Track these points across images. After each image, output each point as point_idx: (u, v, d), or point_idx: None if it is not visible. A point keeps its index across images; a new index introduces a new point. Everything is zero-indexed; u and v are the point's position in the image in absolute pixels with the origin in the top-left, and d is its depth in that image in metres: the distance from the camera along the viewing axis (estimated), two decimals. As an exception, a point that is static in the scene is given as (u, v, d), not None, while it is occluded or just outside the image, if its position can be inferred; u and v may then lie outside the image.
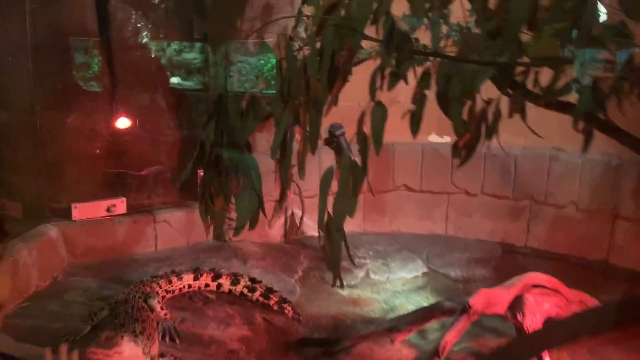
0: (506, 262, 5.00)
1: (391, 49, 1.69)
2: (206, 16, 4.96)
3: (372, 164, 5.44)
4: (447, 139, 5.35)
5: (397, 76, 1.80)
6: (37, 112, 4.56)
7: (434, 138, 5.34)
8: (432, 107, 2.54)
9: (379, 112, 1.86)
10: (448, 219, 5.55)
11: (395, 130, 2.76)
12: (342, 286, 2.53)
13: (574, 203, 5.05)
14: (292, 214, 5.12)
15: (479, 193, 5.43)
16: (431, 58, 2.09)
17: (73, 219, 4.30)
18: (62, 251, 4.15)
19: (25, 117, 4.58)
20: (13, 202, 4.49)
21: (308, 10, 4.86)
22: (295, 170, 4.30)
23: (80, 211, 4.33)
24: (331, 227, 1.89)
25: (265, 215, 2.34)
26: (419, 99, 1.92)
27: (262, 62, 5.16)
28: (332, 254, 1.98)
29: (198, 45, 5.32)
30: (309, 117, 1.92)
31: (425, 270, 4.72)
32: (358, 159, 5.02)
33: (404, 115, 2.01)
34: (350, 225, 4.75)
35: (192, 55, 5.38)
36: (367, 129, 1.96)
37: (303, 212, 5.11)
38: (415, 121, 1.95)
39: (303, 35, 4.97)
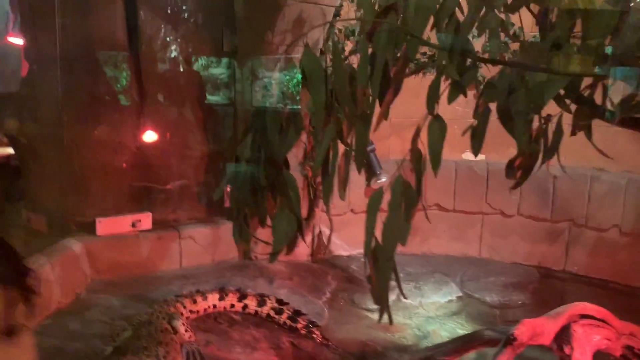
0: (544, 287, 4.76)
1: (455, 57, 1.53)
2: (237, 30, 4.90)
3: (403, 182, 5.23)
4: (482, 157, 5.16)
5: (459, 87, 1.64)
6: (65, 124, 4.51)
7: (468, 155, 5.15)
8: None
9: (438, 128, 1.69)
10: (482, 240, 5.32)
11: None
12: (390, 322, 2.36)
13: (617, 226, 4.80)
14: (320, 232, 4.96)
15: (516, 214, 5.20)
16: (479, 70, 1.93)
17: (98, 234, 4.21)
18: (85, 267, 4.05)
19: (53, 129, 4.53)
20: (38, 215, 4.42)
21: (339, 23, 4.78)
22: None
23: (105, 226, 4.24)
24: (379, 256, 1.71)
25: (304, 239, 2.19)
26: (481, 114, 1.75)
27: (288, 77, 5.07)
28: (379, 285, 1.80)
29: (228, 59, 5.25)
30: (356, 131, 1.76)
31: (460, 294, 4.50)
32: (386, 177, 4.83)
33: (465, 132, 1.84)
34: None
35: (222, 70, 5.30)
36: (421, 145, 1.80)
37: (331, 230, 4.95)
38: (478, 138, 1.78)
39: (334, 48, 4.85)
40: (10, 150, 5.41)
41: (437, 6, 1.60)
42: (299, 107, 4.70)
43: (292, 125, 1.96)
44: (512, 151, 2.69)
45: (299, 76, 4.89)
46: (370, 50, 1.68)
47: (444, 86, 1.83)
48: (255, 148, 2.03)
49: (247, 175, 2.03)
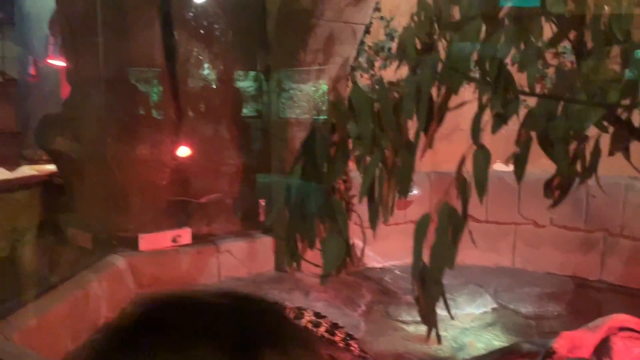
0: (580, 297, 4.73)
1: (499, 91, 1.60)
2: (269, 49, 5.03)
3: (435, 193, 5.29)
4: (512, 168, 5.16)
5: (502, 118, 1.71)
6: (107, 143, 4.70)
7: (499, 166, 5.15)
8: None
9: (482, 157, 1.76)
10: (515, 251, 5.32)
11: (457, 159, 2.65)
12: (439, 341, 2.40)
13: (653, 236, 4.75)
14: (353, 244, 5.03)
15: (549, 224, 5.19)
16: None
17: (140, 249, 4.36)
18: (129, 282, 4.20)
19: (95, 148, 4.72)
20: (81, 231, 4.60)
21: (369, 40, 4.87)
22: (355, 200, 4.21)
23: (147, 242, 4.39)
24: (428, 279, 1.79)
25: (352, 262, 2.27)
26: (524, 142, 1.82)
27: (314, 88, 5.17)
28: (427, 307, 1.87)
29: (260, 76, 5.39)
30: (402, 159, 1.84)
31: (494, 305, 4.51)
32: (416, 190, 4.88)
33: (508, 160, 1.91)
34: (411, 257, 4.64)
35: (255, 87, 5.44)
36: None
37: (364, 243, 5.00)
38: (521, 165, 1.85)
39: (364, 65, 4.95)
40: (52, 168, 5.63)
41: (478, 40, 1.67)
42: (326, 117, 4.82)
43: (340, 155, 2.04)
44: (544, 162, 2.73)
45: (325, 87, 5.01)
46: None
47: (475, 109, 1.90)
48: (305, 175, 2.12)
49: (299, 201, 2.13)
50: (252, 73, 5.29)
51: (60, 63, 6.27)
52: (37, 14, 6.88)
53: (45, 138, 5.01)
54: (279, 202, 2.42)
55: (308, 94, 5.04)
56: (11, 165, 5.95)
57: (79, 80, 5.02)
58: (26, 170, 5.98)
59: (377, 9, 4.71)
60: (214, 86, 5.30)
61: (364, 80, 4.90)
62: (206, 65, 5.25)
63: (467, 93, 2.17)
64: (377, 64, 4.80)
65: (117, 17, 4.76)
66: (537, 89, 1.81)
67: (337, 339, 3.65)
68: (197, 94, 5.10)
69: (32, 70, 7.15)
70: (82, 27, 4.85)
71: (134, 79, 4.84)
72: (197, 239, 4.70)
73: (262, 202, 4.91)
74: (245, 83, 5.45)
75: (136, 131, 4.74)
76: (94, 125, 4.78)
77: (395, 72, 2.74)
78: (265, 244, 4.79)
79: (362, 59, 4.74)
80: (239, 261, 4.69)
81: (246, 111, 5.48)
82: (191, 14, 5.13)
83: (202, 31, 5.15)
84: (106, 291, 3.83)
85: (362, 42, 4.68)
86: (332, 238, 2.12)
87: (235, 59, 5.20)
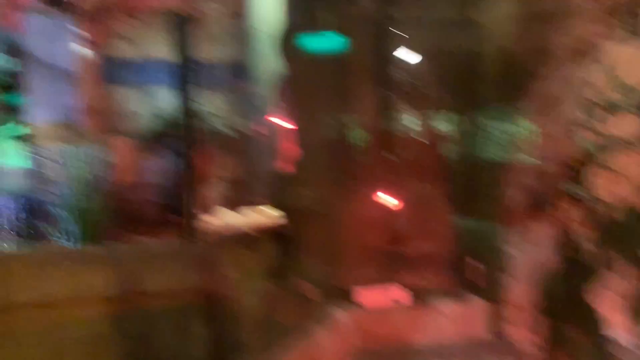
0: None
1: None
2: (482, 104, 5.05)
3: None
4: None
5: None
6: (327, 198, 5.13)
7: None
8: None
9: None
10: None
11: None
12: None
13: None
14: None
15: None
16: None
17: (360, 304, 4.61)
18: (351, 336, 4.45)
19: (318, 203, 5.18)
20: (306, 282, 5.02)
21: (591, 94, 4.56)
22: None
23: (366, 296, 4.63)
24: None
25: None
26: None
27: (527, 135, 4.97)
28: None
29: (471, 127, 5.42)
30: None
31: None
32: None
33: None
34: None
35: (465, 139, 5.46)
36: None
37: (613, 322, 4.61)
38: None
39: (587, 120, 4.64)
40: (277, 215, 6.25)
41: None
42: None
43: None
44: None
45: (535, 131, 4.79)
46: None
47: None
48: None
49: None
50: (461, 124, 5.36)
51: (282, 122, 6.99)
52: (264, 77, 7.79)
53: (277, 190, 5.65)
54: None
55: (522, 149, 4.89)
56: (240, 210, 6.74)
57: (303, 140, 5.59)
58: (253, 216, 6.71)
59: (600, 62, 4.41)
60: (424, 141, 5.46)
61: (586, 135, 4.59)
62: (418, 122, 5.44)
63: None
64: (600, 119, 4.46)
65: (337, 81, 5.24)
66: None
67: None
68: (408, 149, 5.31)
69: (257, 127, 8.06)
70: (306, 91, 5.44)
71: (351, 140, 5.24)
72: (411, 296, 4.82)
73: (479, 265, 4.89)
74: (455, 135, 5.51)
75: (352, 187, 5.10)
76: (317, 181, 5.26)
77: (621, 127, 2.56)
78: (478, 306, 4.73)
79: (583, 114, 4.45)
80: (452, 322, 4.67)
81: (455, 163, 5.52)
82: (404, 74, 5.40)
83: (414, 89, 5.38)
84: (332, 344, 4.11)
85: (583, 97, 4.41)
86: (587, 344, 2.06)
87: (446, 115, 5.31)
